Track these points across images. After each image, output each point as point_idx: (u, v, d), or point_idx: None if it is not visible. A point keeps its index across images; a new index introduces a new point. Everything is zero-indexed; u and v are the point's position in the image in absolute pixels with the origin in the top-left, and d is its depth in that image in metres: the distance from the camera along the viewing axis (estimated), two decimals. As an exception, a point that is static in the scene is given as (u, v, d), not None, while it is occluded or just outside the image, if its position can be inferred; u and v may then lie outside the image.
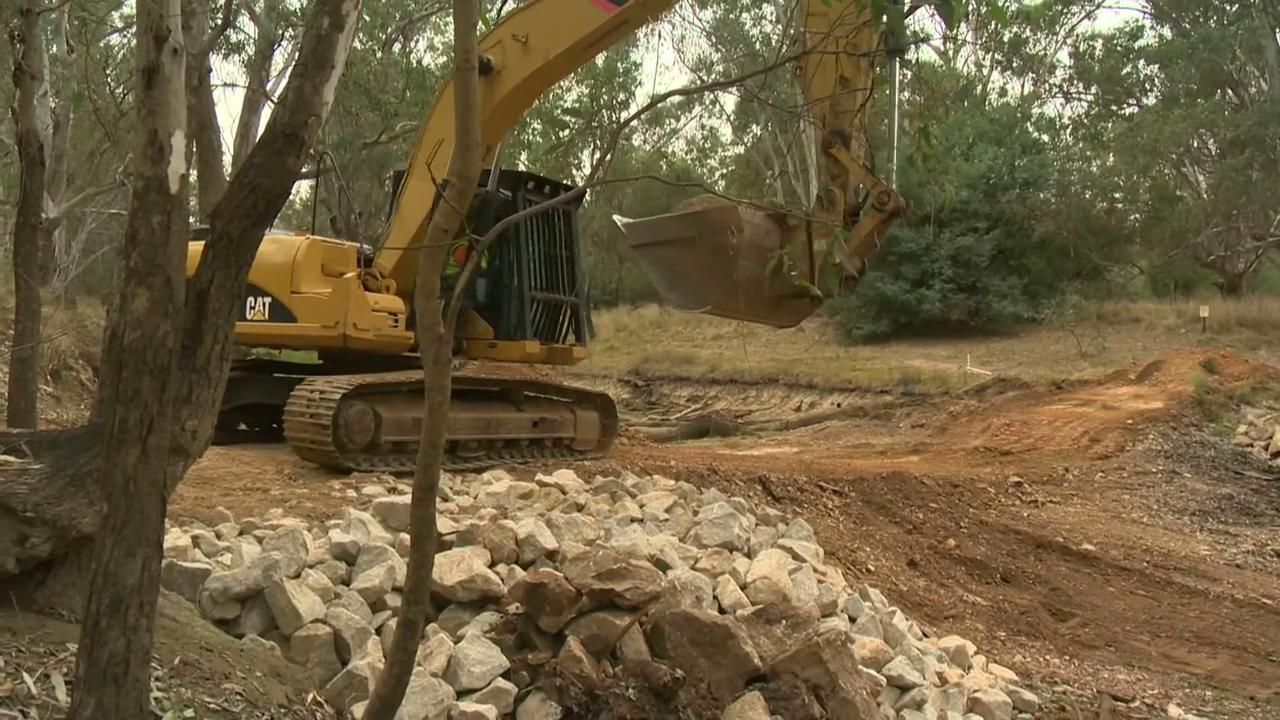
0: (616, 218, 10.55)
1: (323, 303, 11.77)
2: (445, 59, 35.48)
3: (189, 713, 3.94)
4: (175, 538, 7.08)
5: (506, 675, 5.99)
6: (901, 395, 26.91)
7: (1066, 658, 8.70)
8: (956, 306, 35.21)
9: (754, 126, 49.91)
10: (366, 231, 25.34)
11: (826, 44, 7.33)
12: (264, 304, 11.99)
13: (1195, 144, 38.83)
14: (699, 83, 51.98)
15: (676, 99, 50.18)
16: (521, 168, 31.79)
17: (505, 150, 34.49)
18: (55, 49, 21.86)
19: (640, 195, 47.02)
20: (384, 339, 12.12)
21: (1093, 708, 7.27)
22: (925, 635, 8.51)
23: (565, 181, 14.23)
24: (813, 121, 9.16)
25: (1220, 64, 38.29)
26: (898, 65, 8.78)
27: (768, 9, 46.94)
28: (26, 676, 3.64)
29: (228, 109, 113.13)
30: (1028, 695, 7.39)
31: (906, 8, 5.23)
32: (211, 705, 4.14)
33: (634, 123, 46.51)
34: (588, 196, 42.74)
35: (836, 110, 8.78)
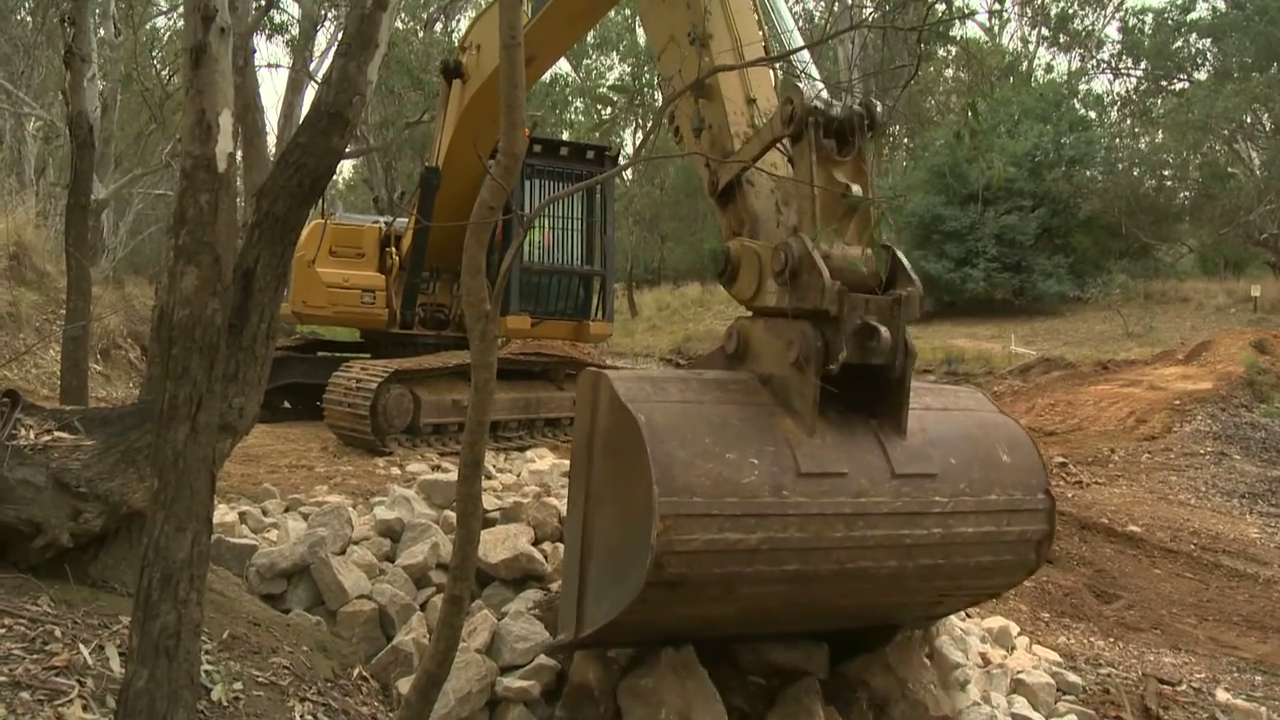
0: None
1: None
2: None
3: (238, 685, 4.00)
4: (223, 514, 7.18)
5: (549, 652, 6.02)
6: (945, 375, 26.69)
7: (1111, 640, 8.61)
8: (1001, 285, 34.82)
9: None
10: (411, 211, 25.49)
11: None
12: None
13: (1249, 119, 38.02)
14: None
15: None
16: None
17: (549, 128, 34.30)
18: (103, 32, 22.13)
19: (681, 173, 46.86)
20: (347, 315, 12.63)
21: (1138, 690, 7.19)
22: (968, 615, 8.45)
23: (581, 142, 13.94)
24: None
25: (1277, 36, 37.40)
26: None
27: (810, -15, 46.53)
28: (82, 648, 3.71)
29: (273, 88, 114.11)
30: (1072, 677, 7.33)
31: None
32: (260, 678, 4.21)
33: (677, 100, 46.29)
34: (628, 175, 42.68)
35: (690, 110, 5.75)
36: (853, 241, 4.78)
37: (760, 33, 6.08)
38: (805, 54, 5.77)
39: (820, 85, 5.46)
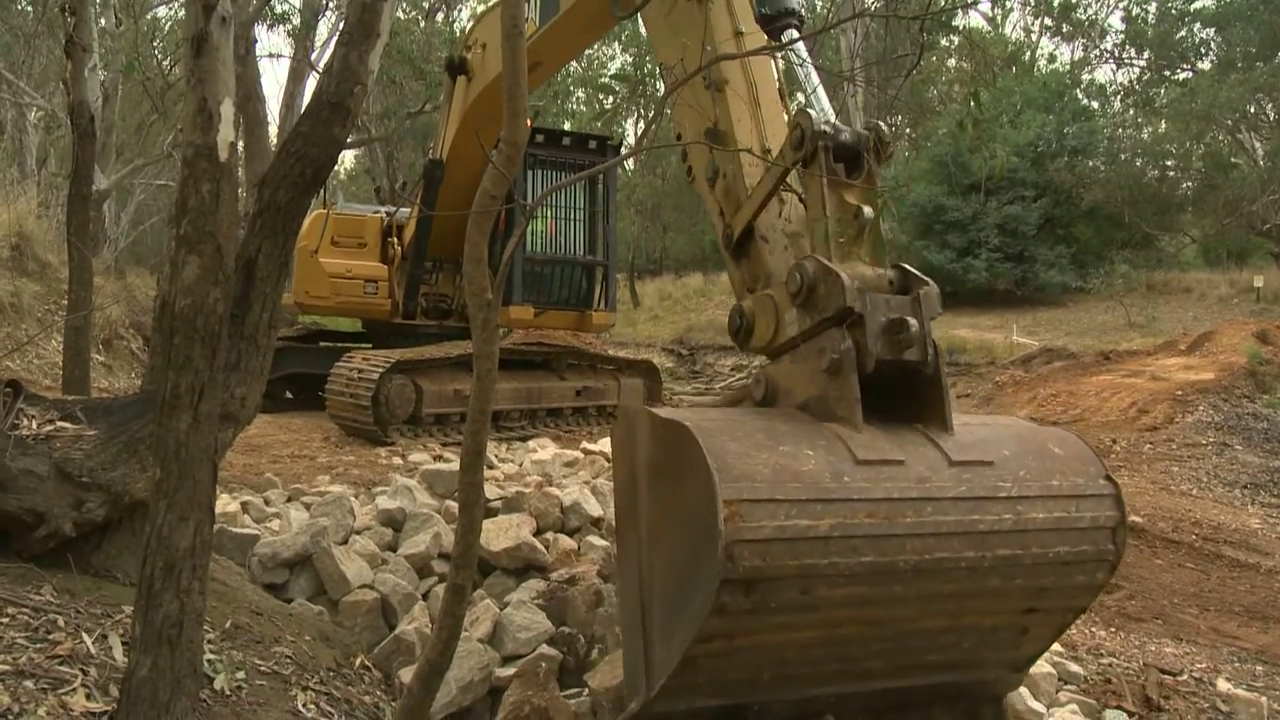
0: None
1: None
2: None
3: (240, 674, 4.01)
4: (225, 504, 7.19)
5: (551, 641, 6.03)
6: (947, 365, 26.63)
7: (1113, 630, 8.61)
8: (1003, 276, 34.76)
9: (799, 95, 49.39)
10: (413, 201, 25.51)
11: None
12: None
13: (1252, 109, 37.92)
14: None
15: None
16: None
17: (550, 118, 34.17)
18: (104, 21, 22.08)
19: (684, 165, 46.79)
20: (350, 305, 12.66)
21: (1139, 680, 7.19)
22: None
23: (583, 132, 13.93)
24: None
25: (1281, 25, 37.35)
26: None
27: (813, -25, 46.40)
28: (85, 637, 3.72)
29: (275, 78, 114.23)
30: (1073, 667, 7.33)
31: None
32: (262, 668, 4.21)
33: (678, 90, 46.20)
34: (630, 165, 42.64)
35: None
36: (865, 263, 4.75)
37: (777, 77, 6.01)
38: (802, 48, 5.70)
39: (826, 106, 5.37)
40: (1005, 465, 4.55)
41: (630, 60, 48.91)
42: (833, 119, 5.00)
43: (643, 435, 4.43)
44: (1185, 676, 7.40)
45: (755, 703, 4.39)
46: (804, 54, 5.78)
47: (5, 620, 3.68)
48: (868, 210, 4.76)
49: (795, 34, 5.81)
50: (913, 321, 4.45)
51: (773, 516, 3.88)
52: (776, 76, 5.97)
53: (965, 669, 4.89)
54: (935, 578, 4.29)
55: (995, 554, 4.39)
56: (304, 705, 4.07)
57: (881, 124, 5.08)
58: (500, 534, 6.79)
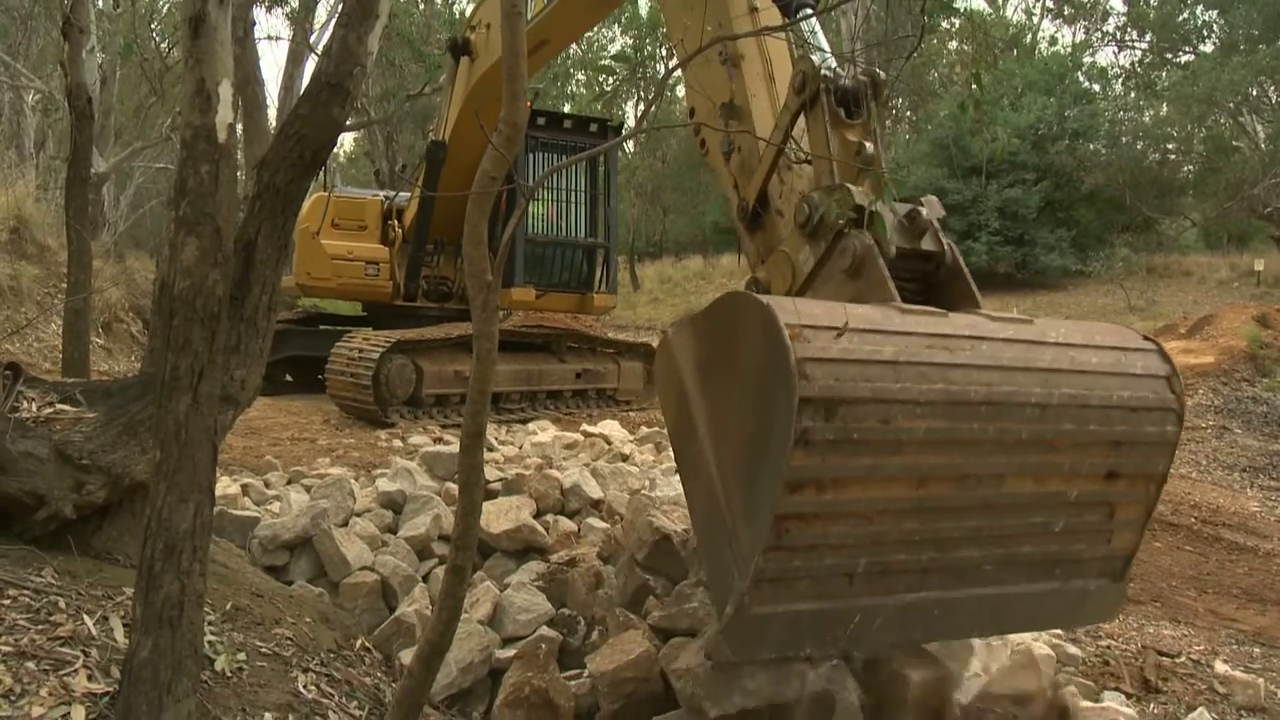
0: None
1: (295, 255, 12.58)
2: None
3: (241, 656, 4.02)
4: (225, 486, 7.20)
5: (551, 623, 6.05)
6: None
7: (1111, 612, 8.64)
8: (1003, 259, 34.72)
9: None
10: (414, 184, 25.44)
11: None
12: None
13: (1254, 92, 37.78)
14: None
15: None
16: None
17: (550, 100, 33.97)
18: (101, 3, 22.00)
19: (683, 145, 46.70)
20: (351, 287, 12.67)
21: (1137, 662, 7.21)
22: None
23: (584, 115, 13.91)
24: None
25: (1283, 8, 37.18)
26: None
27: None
28: (86, 618, 3.72)
29: (274, 61, 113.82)
30: (1072, 649, 7.35)
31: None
32: (263, 649, 4.22)
33: (678, 71, 46.05)
34: (630, 147, 42.52)
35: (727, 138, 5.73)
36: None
37: (789, 51, 6.04)
38: (815, 23, 5.74)
39: (829, 55, 5.43)
40: (1044, 323, 4.54)
41: (630, 42, 48.75)
42: (833, 63, 5.10)
43: (686, 343, 4.37)
44: (1183, 658, 7.41)
45: (856, 610, 4.14)
46: (817, 29, 5.80)
47: (6, 602, 3.68)
48: (869, 146, 4.85)
49: (809, 11, 5.87)
50: (923, 209, 4.58)
51: (835, 341, 3.83)
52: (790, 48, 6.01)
53: (1063, 574, 4.70)
54: (1009, 415, 4.19)
55: (1061, 391, 4.29)
56: (305, 686, 4.08)
57: (877, 70, 5.18)
58: (500, 516, 6.80)
